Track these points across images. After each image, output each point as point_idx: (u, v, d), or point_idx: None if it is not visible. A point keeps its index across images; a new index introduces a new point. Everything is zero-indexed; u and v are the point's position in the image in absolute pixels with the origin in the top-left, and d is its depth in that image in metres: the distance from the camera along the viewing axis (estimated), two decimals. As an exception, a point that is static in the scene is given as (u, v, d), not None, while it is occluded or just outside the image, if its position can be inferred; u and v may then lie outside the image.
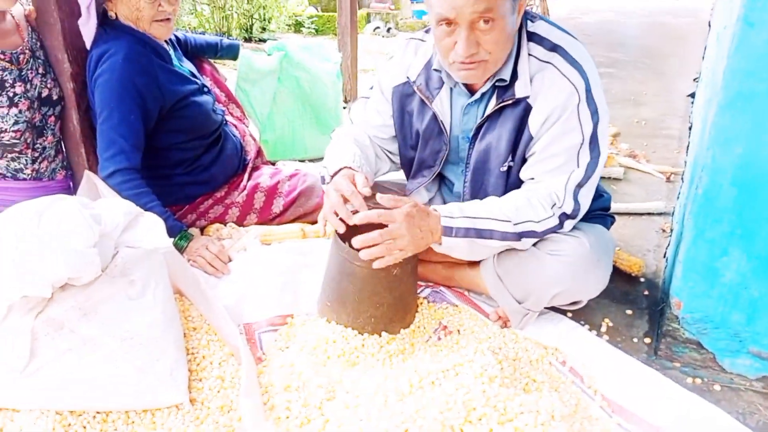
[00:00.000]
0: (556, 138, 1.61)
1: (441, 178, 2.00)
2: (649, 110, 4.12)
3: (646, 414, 1.51)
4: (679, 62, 5.48)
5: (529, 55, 1.63)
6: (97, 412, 1.42)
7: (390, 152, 2.00)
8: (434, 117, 1.78)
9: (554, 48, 1.62)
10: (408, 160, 1.96)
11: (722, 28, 2.00)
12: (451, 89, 1.76)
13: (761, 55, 1.40)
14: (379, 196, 1.57)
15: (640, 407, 1.53)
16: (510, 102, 1.64)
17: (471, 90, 1.73)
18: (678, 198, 2.59)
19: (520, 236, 1.64)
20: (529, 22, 1.66)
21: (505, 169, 1.72)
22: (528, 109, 1.63)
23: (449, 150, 1.82)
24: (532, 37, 1.64)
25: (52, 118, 2.08)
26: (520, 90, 1.62)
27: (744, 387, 1.69)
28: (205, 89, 2.28)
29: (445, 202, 2.05)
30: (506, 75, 1.63)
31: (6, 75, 1.91)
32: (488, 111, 1.68)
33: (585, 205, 1.67)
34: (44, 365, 1.36)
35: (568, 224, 1.68)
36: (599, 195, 1.91)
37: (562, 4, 9.48)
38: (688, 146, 3.08)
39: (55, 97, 2.06)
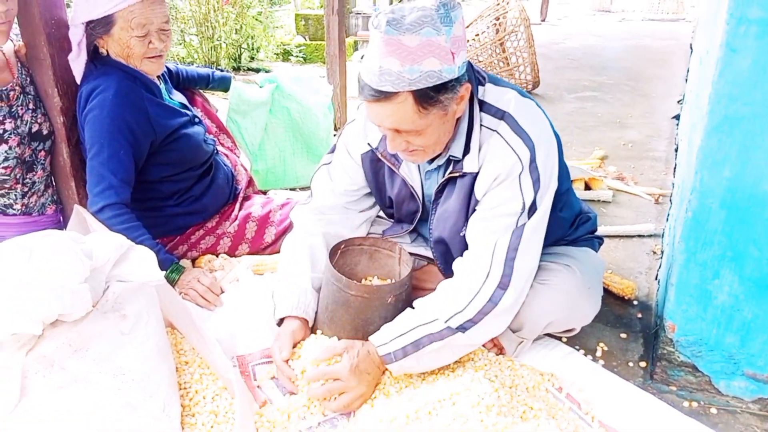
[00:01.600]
0: (495, 203, 1.56)
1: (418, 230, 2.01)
2: (635, 132, 4.18)
3: (644, 439, 1.50)
4: (662, 84, 5.57)
5: (481, 125, 1.58)
6: (89, 451, 1.39)
7: (366, 209, 1.96)
8: (404, 182, 1.76)
9: (501, 115, 1.56)
10: (387, 214, 1.97)
11: (705, 52, 2.05)
12: None
13: (745, 80, 1.42)
14: (316, 355, 1.61)
15: (638, 433, 1.53)
16: (458, 175, 1.62)
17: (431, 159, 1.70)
18: (667, 220, 2.61)
19: (456, 330, 1.56)
20: (479, 87, 1.59)
21: (463, 233, 1.69)
22: (475, 177, 1.60)
23: (422, 209, 1.81)
24: (482, 105, 1.58)
25: (43, 153, 2.08)
26: (468, 165, 1.59)
27: (740, 409, 1.69)
28: (196, 120, 2.28)
29: (427, 244, 2.04)
30: (458, 152, 1.60)
31: None
32: (440, 181, 1.67)
33: (522, 272, 1.56)
34: (36, 404, 1.33)
35: (506, 299, 1.55)
36: (586, 218, 1.93)
37: (545, 31, 9.64)
38: (675, 168, 3.12)
39: (45, 132, 2.06)
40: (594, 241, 1.96)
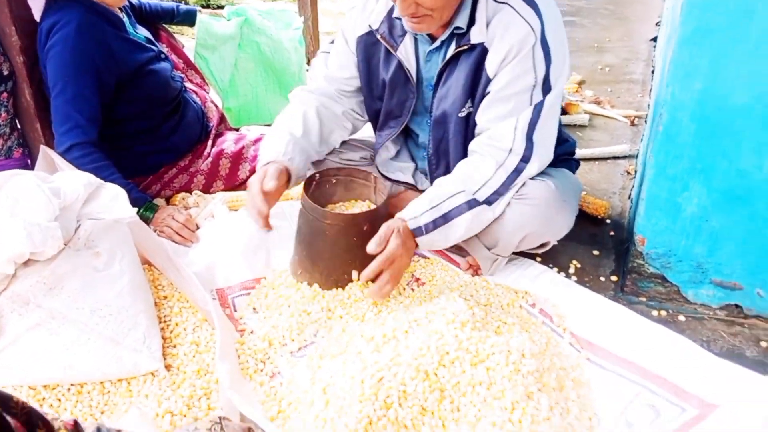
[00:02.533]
0: (510, 80, 1.60)
1: (406, 132, 2.00)
2: (612, 56, 4.14)
3: (613, 347, 1.56)
4: (641, 7, 5.49)
5: None
6: (72, 385, 1.42)
7: (353, 111, 1.97)
8: (399, 65, 1.77)
9: None
10: (375, 112, 1.95)
11: (676, -36, 2.00)
12: (414, 36, 1.74)
13: (716, -11, 1.40)
14: (370, 245, 1.59)
15: (608, 341, 1.58)
16: (466, 48, 1.63)
17: (432, 37, 1.72)
18: (642, 140, 2.62)
19: (483, 202, 1.64)
20: None
21: (464, 114, 1.71)
22: (484, 53, 1.62)
23: (416, 99, 1.81)
24: None
25: (5, 95, 2.02)
26: (475, 36, 1.62)
27: (708, 316, 1.75)
28: (163, 56, 2.22)
29: (411, 156, 2.05)
30: (462, 22, 1.62)
31: None
32: (447, 57, 1.68)
33: (542, 144, 1.64)
34: (13, 341, 1.35)
35: (530, 168, 1.65)
36: (564, 140, 1.93)
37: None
38: (651, 89, 3.11)
39: (6, 73, 2.00)
40: (571, 163, 1.97)
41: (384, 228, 1.63)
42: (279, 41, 2.96)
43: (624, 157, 2.69)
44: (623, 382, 1.46)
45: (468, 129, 1.75)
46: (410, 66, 1.76)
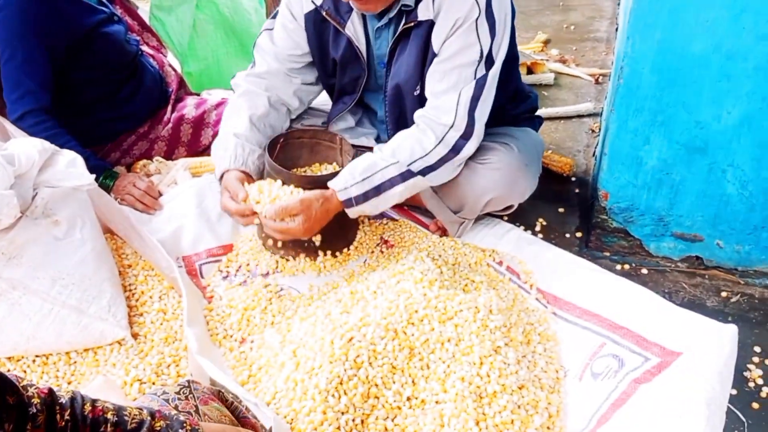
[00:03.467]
0: (454, 53, 1.56)
1: (365, 108, 1.96)
2: (577, 15, 4.12)
3: (578, 301, 1.59)
4: (606, -35, 5.46)
5: None
6: (37, 356, 1.40)
7: (307, 84, 1.90)
8: (349, 42, 1.70)
9: None
10: (329, 87, 1.91)
11: None
12: (362, 12, 1.67)
13: (674, -62, 1.40)
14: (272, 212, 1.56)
15: (574, 295, 1.61)
16: (413, 24, 1.59)
17: (380, 14, 1.65)
18: (606, 98, 2.64)
19: (417, 174, 1.60)
20: None
21: (417, 93, 1.68)
22: (431, 28, 1.58)
23: (368, 76, 1.77)
24: None
25: None
26: (422, 12, 1.57)
27: (669, 268, 1.79)
28: (116, 18, 2.13)
29: (374, 128, 2.02)
30: (410, 0, 1.57)
31: None
32: (395, 35, 1.63)
33: (481, 123, 1.61)
34: (-28, 313, 1.32)
35: (469, 147, 1.62)
36: (526, 96, 1.92)
37: None
38: (614, 47, 3.12)
39: None
40: (535, 121, 1.97)
41: (298, 201, 1.57)
42: (238, 1, 2.87)
43: (589, 116, 2.70)
44: (588, 335, 1.49)
45: (423, 105, 1.69)
46: (360, 44, 1.70)
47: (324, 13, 1.69)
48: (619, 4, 4.06)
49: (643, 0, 1.49)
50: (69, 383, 1.37)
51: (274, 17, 1.83)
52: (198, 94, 2.53)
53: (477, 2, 1.53)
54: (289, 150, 1.88)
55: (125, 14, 2.32)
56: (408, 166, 1.59)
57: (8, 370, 1.35)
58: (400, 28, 1.62)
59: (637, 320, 1.47)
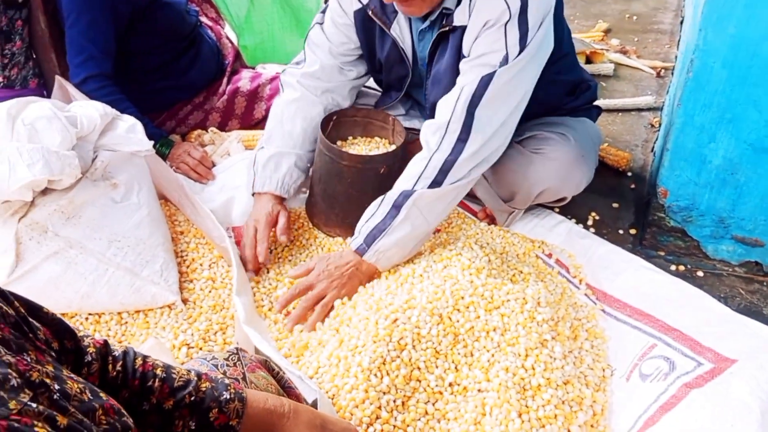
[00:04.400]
0: (477, 55, 1.49)
1: (412, 97, 1.93)
2: (640, 5, 3.99)
3: (629, 299, 1.55)
4: (673, -45, 5.26)
5: None
6: (90, 314, 1.44)
7: (362, 75, 1.87)
8: (394, 44, 1.67)
9: None
10: (377, 81, 1.90)
11: None
12: None
13: (759, -73, 1.33)
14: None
15: (624, 293, 1.57)
16: (448, 29, 1.54)
17: (424, 16, 1.60)
18: (668, 92, 2.55)
19: (415, 193, 1.51)
20: None
21: None
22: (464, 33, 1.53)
23: (413, 75, 1.73)
24: None
25: (20, 22, 1.98)
26: (458, 18, 1.51)
27: (726, 272, 1.73)
28: (177, -12, 2.16)
29: (421, 117, 1.96)
30: (451, 3, 1.52)
31: None
32: (434, 39, 1.59)
33: (485, 118, 1.48)
34: (31, 269, 1.36)
35: (469, 146, 1.49)
36: (587, 87, 1.87)
37: None
38: (679, 40, 3.01)
39: (20, 0, 1.95)
40: (592, 111, 1.92)
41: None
42: (296, -25, 2.87)
43: (648, 109, 2.61)
44: (638, 334, 1.45)
45: None
46: (405, 45, 1.66)
47: (370, 12, 1.65)
48: (685, -4, 3.92)
49: (719, -9, 1.43)
50: (120, 342, 1.41)
51: (323, 12, 1.80)
52: (253, 68, 2.55)
53: (508, 6, 1.45)
54: (342, 128, 1.88)
55: (185, -17, 2.34)
56: (402, 191, 1.52)
57: (63, 326, 1.40)
58: (436, 32, 1.58)
59: (691, 323, 1.42)
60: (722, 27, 1.45)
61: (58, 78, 1.91)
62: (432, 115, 1.66)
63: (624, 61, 3.05)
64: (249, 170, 1.78)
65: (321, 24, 1.79)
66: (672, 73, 2.73)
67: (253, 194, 1.75)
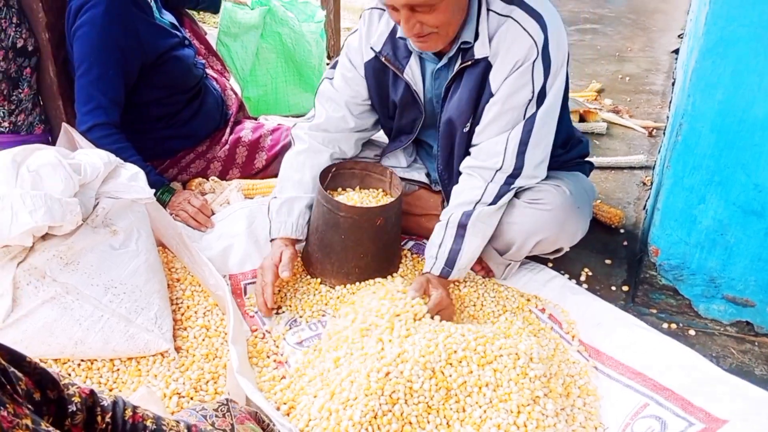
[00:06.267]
0: (508, 95, 1.59)
1: (419, 142, 2.00)
2: (633, 66, 4.11)
3: (622, 357, 1.55)
4: (664, 17, 5.44)
5: (489, 10, 1.59)
6: (82, 360, 1.44)
7: (367, 129, 1.95)
8: (407, 87, 1.75)
9: (512, 0, 1.58)
10: (387, 129, 1.96)
11: (706, -24, 1.99)
12: (420, 56, 1.71)
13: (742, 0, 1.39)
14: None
15: (617, 351, 1.58)
16: (470, 63, 1.61)
17: (439, 54, 1.69)
18: (659, 151, 2.61)
19: (474, 214, 1.66)
20: None
21: (467, 129, 1.70)
22: (488, 68, 1.61)
23: (425, 116, 1.80)
24: None
25: (28, 70, 2.04)
26: (478, 50, 1.59)
27: (718, 332, 1.74)
28: (186, 42, 2.23)
29: (424, 165, 2.04)
30: (469, 36, 1.60)
31: None
32: (452, 74, 1.66)
33: (533, 162, 1.65)
34: (27, 314, 1.37)
35: (519, 182, 1.67)
36: (578, 141, 1.92)
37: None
38: (671, 101, 3.09)
39: (30, 48, 2.02)
40: (585, 166, 1.97)
41: (417, 281, 1.63)
42: (301, 33, 2.97)
43: (641, 168, 2.67)
44: (631, 393, 1.45)
45: (470, 143, 1.72)
46: (418, 88, 1.74)
47: (383, 59, 1.73)
48: (676, 59, 4.04)
49: (707, 59, 1.48)
50: (111, 390, 1.40)
51: (333, 67, 1.88)
52: (255, 118, 2.61)
53: (535, 43, 1.55)
54: (340, 180, 1.92)
55: (194, 38, 2.43)
56: (463, 212, 1.66)
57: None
58: (456, 67, 1.64)
59: (683, 383, 1.42)
60: (710, 93, 1.51)
61: (64, 125, 1.96)
62: (444, 153, 1.79)
63: (617, 120, 3.13)
64: (264, 219, 1.88)
65: (331, 79, 1.87)
66: (663, 133, 2.80)
67: (271, 240, 1.80)
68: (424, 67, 1.73)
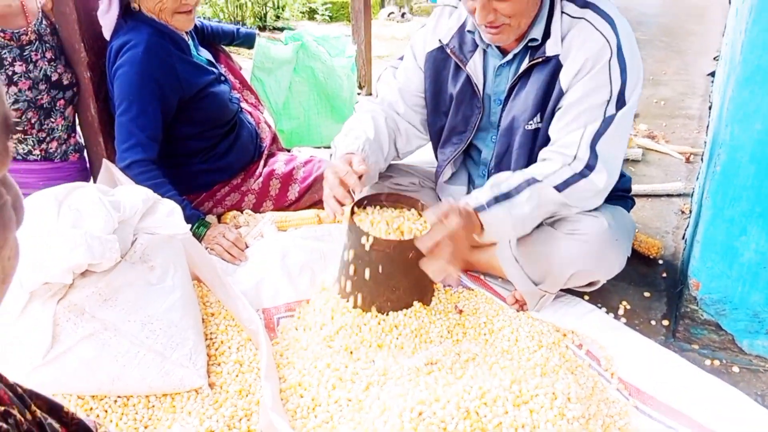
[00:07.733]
0: (584, 94, 1.60)
1: (466, 151, 1.97)
2: (668, 90, 4.05)
3: (663, 396, 1.51)
4: (699, 40, 5.37)
5: (562, 12, 1.63)
6: (119, 396, 1.45)
7: (416, 127, 1.95)
8: (468, 80, 1.78)
9: (586, 4, 1.62)
10: (438, 129, 1.94)
11: (741, 2, 1.96)
12: (484, 51, 1.75)
13: (780, 29, 1.37)
14: (427, 214, 1.57)
15: (658, 390, 1.53)
16: (540, 61, 1.64)
17: (504, 51, 1.73)
18: (697, 178, 2.55)
19: (544, 181, 1.60)
20: None
21: (531, 127, 1.70)
22: (558, 66, 1.63)
23: (482, 114, 1.81)
24: None
25: (62, 102, 2.11)
26: (550, 48, 1.62)
27: (763, 369, 1.68)
28: (222, 78, 2.29)
29: (469, 175, 2.01)
30: (538, 34, 1.64)
31: (5, 53, 1.95)
32: (520, 70, 1.68)
33: (608, 157, 1.60)
34: (66, 350, 1.39)
35: (595, 178, 1.60)
36: (621, 174, 1.89)
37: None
38: (708, 126, 3.03)
39: (65, 82, 2.09)
40: (627, 201, 1.94)
41: (444, 204, 1.56)
42: (332, 67, 3.03)
43: (678, 195, 2.62)
44: (673, 434, 1.41)
45: (535, 142, 1.72)
46: (478, 81, 1.77)
47: (449, 50, 1.78)
48: (712, 82, 3.97)
49: (744, 89, 1.46)
50: (146, 427, 1.41)
51: (400, 58, 1.96)
52: (289, 150, 2.66)
53: (608, 42, 1.57)
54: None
55: (228, 72, 2.49)
56: (533, 176, 1.61)
57: (91, 409, 1.42)
58: (525, 64, 1.67)
59: (727, 424, 1.37)
60: (749, 123, 1.48)
61: (105, 161, 2.01)
62: (498, 154, 1.79)
63: (652, 146, 3.08)
64: (297, 252, 1.94)
65: (395, 68, 1.95)
66: (701, 159, 2.74)
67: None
68: (486, 63, 1.77)
